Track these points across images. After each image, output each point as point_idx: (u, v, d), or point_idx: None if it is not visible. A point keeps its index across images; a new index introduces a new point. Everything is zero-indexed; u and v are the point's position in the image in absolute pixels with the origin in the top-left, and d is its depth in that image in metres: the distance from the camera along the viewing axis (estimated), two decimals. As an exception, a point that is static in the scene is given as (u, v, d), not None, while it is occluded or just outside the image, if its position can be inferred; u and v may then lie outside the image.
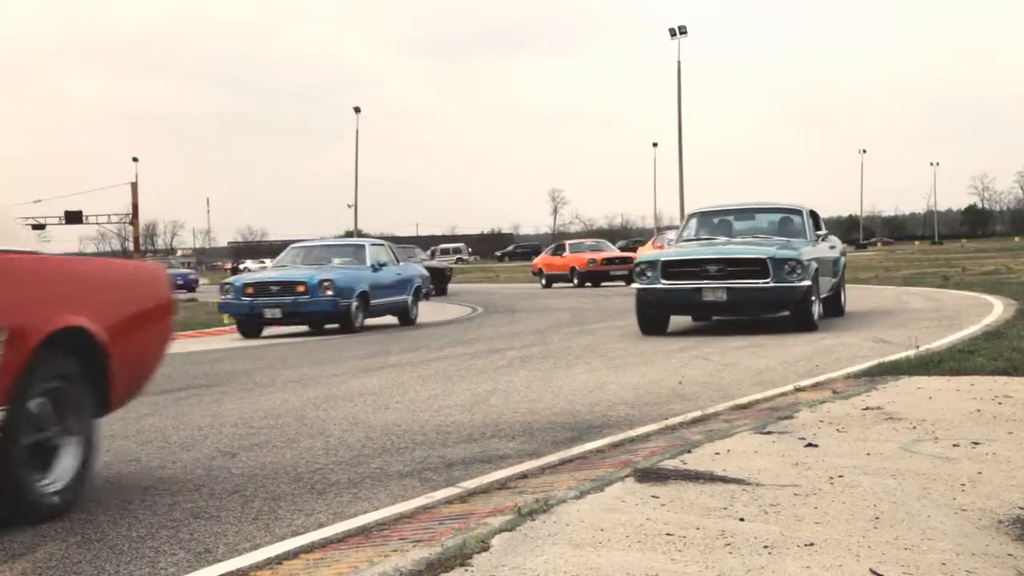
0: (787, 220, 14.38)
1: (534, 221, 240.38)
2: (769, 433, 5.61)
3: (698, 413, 6.63)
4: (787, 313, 13.00)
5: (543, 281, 34.90)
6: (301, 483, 5.03)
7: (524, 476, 4.95)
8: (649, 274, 12.96)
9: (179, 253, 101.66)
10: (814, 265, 12.83)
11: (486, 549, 3.52)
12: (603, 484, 4.45)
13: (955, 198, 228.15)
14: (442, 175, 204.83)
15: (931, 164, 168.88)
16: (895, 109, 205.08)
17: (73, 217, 64.31)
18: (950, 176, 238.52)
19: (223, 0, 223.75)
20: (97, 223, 71.35)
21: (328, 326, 17.02)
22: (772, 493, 4.22)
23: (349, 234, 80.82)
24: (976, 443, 5.18)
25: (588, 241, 39.82)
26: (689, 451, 5.15)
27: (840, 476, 4.48)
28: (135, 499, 4.80)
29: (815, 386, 7.66)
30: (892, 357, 9.08)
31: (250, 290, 16.75)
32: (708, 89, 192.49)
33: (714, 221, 14.73)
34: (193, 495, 4.84)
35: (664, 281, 12.85)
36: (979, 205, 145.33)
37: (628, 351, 11.28)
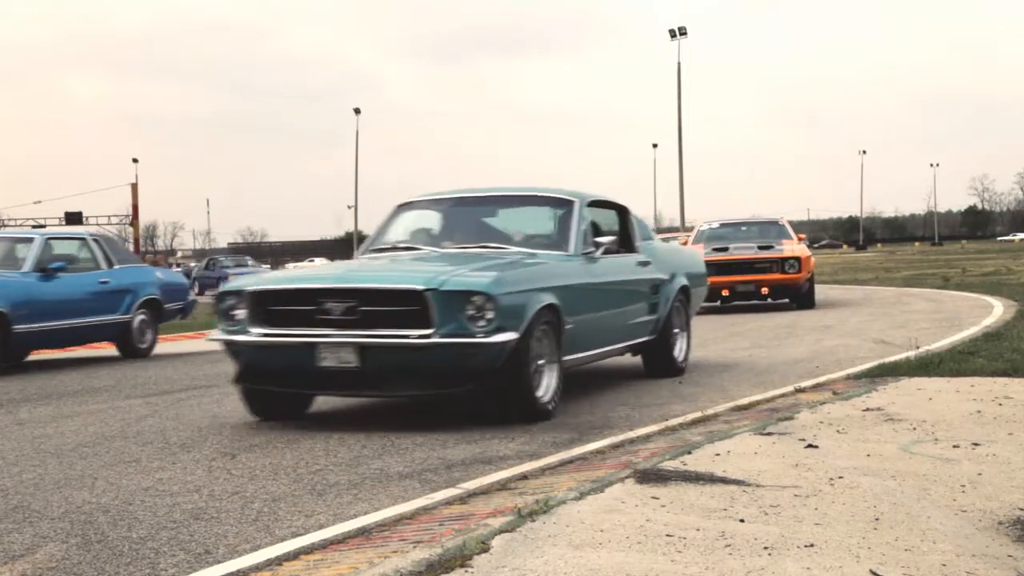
0: (554, 218, 8.25)
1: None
2: (769, 434, 5.61)
3: (698, 414, 6.63)
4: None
5: None
6: (301, 484, 5.03)
7: (524, 477, 4.95)
8: (237, 314, 6.89)
9: (179, 254, 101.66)
10: (539, 302, 6.72)
11: (486, 550, 3.52)
12: (603, 485, 4.45)
13: (955, 199, 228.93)
14: (442, 176, 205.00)
15: (931, 165, 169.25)
16: (895, 109, 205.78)
17: (73, 218, 64.35)
18: (950, 177, 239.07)
19: (223, 1, 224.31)
20: (97, 224, 71.35)
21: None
22: (772, 494, 4.22)
23: (349, 235, 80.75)
24: (976, 444, 5.18)
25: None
26: (689, 452, 5.15)
27: (840, 477, 4.48)
28: (135, 499, 4.80)
29: (815, 387, 7.66)
30: (892, 358, 9.09)
31: None
32: (708, 89, 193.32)
33: (438, 218, 8.55)
34: (193, 496, 4.84)
35: (256, 329, 6.78)
36: (979, 206, 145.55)
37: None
